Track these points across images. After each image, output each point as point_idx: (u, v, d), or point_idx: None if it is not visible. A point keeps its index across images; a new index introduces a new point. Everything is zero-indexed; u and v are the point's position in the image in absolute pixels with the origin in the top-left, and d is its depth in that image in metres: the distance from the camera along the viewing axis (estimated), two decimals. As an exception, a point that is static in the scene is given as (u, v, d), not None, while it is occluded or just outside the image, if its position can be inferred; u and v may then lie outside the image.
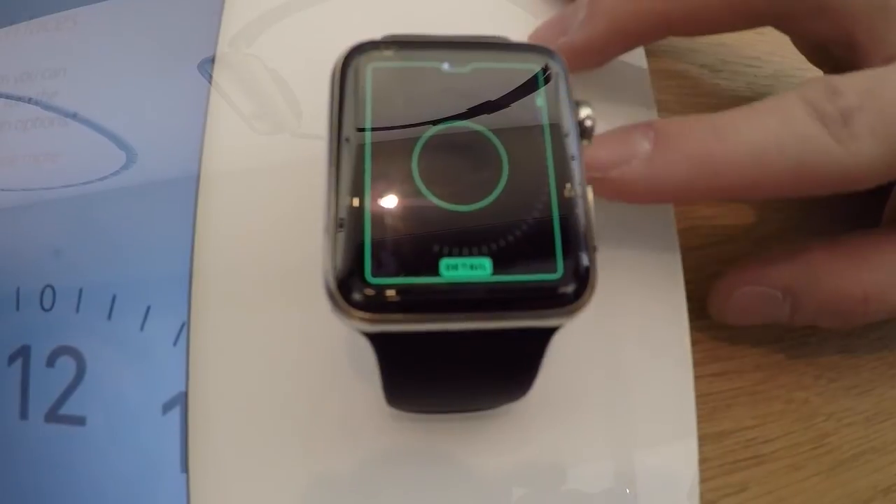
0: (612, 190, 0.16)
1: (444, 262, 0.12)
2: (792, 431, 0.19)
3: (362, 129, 0.13)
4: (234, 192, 0.18)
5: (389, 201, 0.12)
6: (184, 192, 0.18)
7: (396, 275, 0.12)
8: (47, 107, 0.19)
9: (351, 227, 0.12)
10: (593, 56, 0.19)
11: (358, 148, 0.12)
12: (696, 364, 0.18)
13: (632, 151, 0.16)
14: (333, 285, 0.12)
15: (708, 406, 0.19)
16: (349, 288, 0.12)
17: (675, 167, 0.16)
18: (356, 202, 0.12)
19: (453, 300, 0.12)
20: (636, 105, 0.20)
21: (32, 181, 0.18)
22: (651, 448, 0.17)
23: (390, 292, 0.12)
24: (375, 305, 0.12)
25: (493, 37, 0.14)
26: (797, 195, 0.16)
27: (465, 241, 0.12)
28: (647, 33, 0.19)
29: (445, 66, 0.14)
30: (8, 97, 0.19)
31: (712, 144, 0.16)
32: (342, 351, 0.17)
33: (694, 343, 0.18)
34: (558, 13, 0.20)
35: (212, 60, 0.19)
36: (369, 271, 0.12)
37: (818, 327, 0.20)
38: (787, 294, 0.18)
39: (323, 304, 0.12)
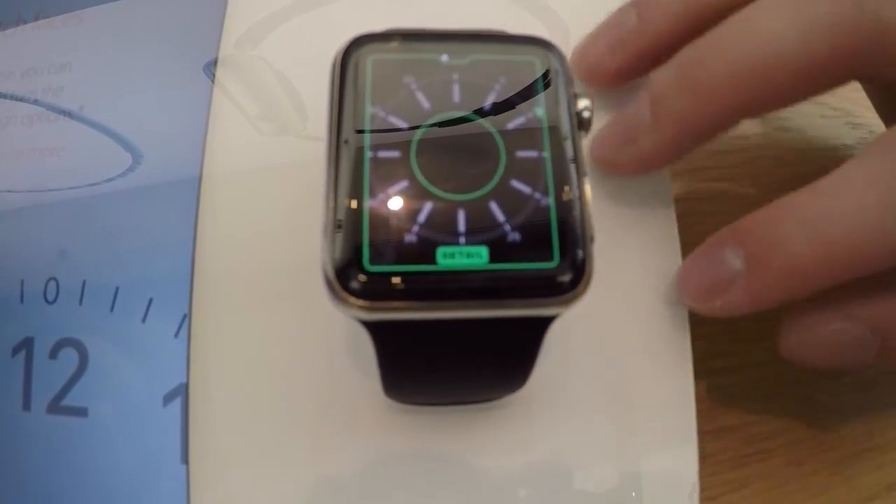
0: (718, 315, 0.16)
1: (441, 251, 0.12)
2: (794, 427, 0.19)
3: (361, 131, 0.13)
4: (235, 191, 0.18)
5: (387, 195, 0.12)
6: (186, 190, 0.18)
7: (394, 263, 0.12)
8: (51, 108, 0.19)
9: (349, 227, 0.12)
10: (666, 160, 0.17)
11: (356, 150, 0.13)
12: (698, 359, 0.18)
13: (727, 276, 0.16)
14: (332, 274, 0.12)
15: (709, 402, 0.19)
16: (347, 276, 0.12)
17: (773, 290, 0.15)
18: (354, 203, 0.12)
19: (450, 288, 0.12)
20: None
21: (37, 176, 0.19)
22: (650, 444, 0.17)
23: (388, 280, 0.12)
24: (373, 293, 0.12)
25: (492, 30, 0.14)
26: None
27: (461, 229, 0.12)
28: (719, 128, 0.17)
29: (444, 57, 0.14)
30: (14, 98, 0.19)
31: (805, 254, 0.14)
32: (342, 344, 0.17)
33: (695, 338, 0.18)
34: (620, 114, 0.18)
35: (216, 62, 0.19)
36: (367, 260, 0.12)
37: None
38: (878, 333, 0.16)
39: (322, 296, 0.12)
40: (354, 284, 0.12)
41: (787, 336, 0.17)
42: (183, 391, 0.16)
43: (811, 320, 0.16)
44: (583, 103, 0.14)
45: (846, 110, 0.24)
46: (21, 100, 0.19)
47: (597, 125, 0.14)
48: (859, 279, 0.15)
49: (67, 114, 0.19)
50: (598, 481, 0.17)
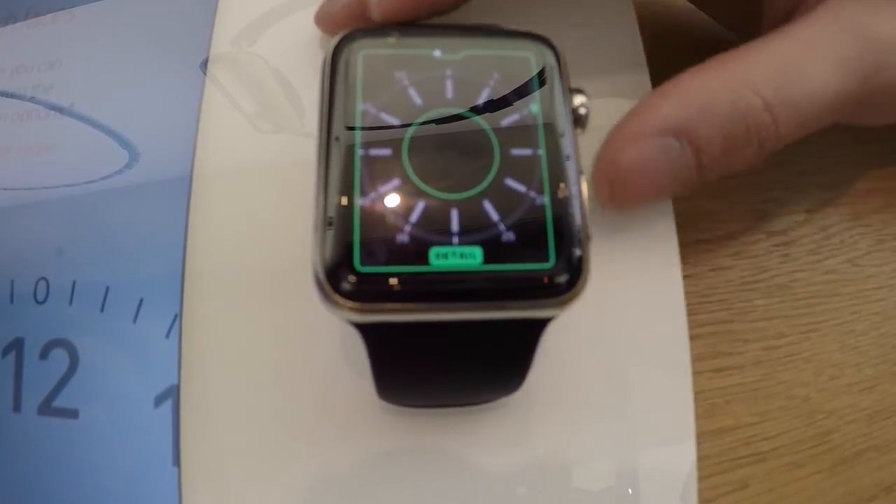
0: None
1: (434, 251, 0.12)
2: (793, 429, 0.19)
3: (352, 128, 0.13)
4: (226, 189, 0.18)
5: (379, 194, 0.12)
6: (177, 188, 0.18)
7: (385, 263, 0.12)
8: (48, 105, 0.19)
9: (340, 225, 0.12)
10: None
11: (347, 147, 0.12)
12: (696, 360, 0.17)
13: None
14: (322, 275, 0.12)
15: (707, 403, 0.19)
16: (338, 278, 0.12)
17: None
18: (345, 200, 0.12)
19: (443, 289, 0.12)
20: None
21: (27, 174, 0.18)
22: (648, 445, 0.17)
23: (379, 281, 0.11)
24: (364, 295, 0.12)
25: (487, 24, 0.14)
26: None
27: (454, 229, 0.12)
28: None
29: (437, 53, 0.13)
30: (11, 95, 0.19)
31: None
32: (334, 344, 0.17)
33: (693, 339, 0.17)
34: None
35: (210, 59, 0.19)
36: (358, 260, 0.12)
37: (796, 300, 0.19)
38: (682, 134, 0.15)
39: (313, 296, 0.12)
40: (345, 285, 0.11)
41: (601, 176, 0.16)
42: (174, 392, 0.16)
43: (612, 150, 0.15)
44: (579, 100, 0.14)
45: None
46: (17, 97, 0.19)
47: (594, 122, 0.14)
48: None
49: (62, 111, 0.19)
50: (597, 480, 0.16)
